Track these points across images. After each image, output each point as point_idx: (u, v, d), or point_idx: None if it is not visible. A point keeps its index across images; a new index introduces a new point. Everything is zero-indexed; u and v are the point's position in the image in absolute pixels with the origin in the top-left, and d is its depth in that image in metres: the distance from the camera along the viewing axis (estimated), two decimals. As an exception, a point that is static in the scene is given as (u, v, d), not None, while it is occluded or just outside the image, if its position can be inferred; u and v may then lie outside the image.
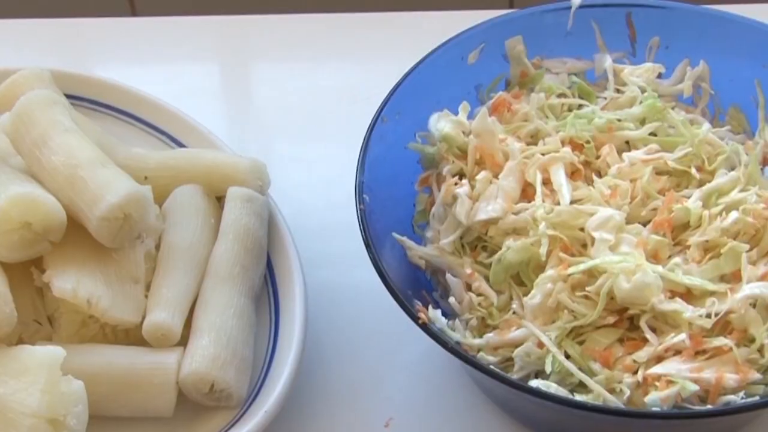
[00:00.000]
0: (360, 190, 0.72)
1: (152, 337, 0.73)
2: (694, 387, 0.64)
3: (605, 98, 0.81)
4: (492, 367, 0.68)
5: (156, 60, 1.06)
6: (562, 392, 0.66)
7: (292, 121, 0.99)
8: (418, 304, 0.69)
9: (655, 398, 0.64)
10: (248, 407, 0.71)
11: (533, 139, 0.78)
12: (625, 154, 0.76)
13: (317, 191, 0.92)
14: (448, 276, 0.74)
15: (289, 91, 1.02)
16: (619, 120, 0.78)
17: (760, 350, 0.67)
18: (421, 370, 0.78)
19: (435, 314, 0.69)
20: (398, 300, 0.66)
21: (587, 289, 0.68)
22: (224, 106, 1.04)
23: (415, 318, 0.66)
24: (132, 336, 0.74)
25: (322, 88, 1.02)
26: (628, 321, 0.69)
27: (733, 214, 0.71)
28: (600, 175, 0.76)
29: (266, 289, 0.79)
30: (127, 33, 1.08)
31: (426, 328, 0.66)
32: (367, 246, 0.69)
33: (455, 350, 0.66)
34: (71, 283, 0.71)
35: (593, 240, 0.70)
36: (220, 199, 0.82)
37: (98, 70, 0.99)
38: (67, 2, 1.31)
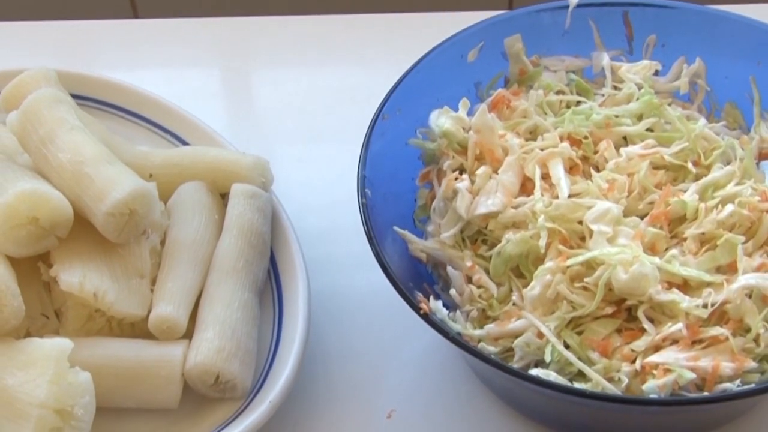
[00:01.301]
0: (362, 184, 0.73)
1: (158, 329, 0.74)
2: (691, 375, 0.65)
3: (603, 95, 0.83)
4: (492, 356, 0.69)
5: (158, 62, 1.07)
6: (561, 381, 0.67)
7: (294, 122, 1.00)
8: (420, 296, 0.70)
9: (652, 386, 0.65)
10: (253, 398, 0.72)
11: (532, 135, 0.80)
12: (622, 149, 0.77)
13: (319, 190, 0.93)
14: (449, 269, 0.75)
15: (290, 93, 1.03)
16: (617, 116, 0.79)
17: (756, 340, 0.68)
18: (423, 363, 0.79)
19: (436, 305, 0.70)
20: (400, 290, 0.67)
21: (585, 280, 0.70)
22: (226, 107, 1.05)
23: (416, 308, 0.67)
24: (138, 330, 0.75)
25: (323, 89, 1.03)
26: (626, 312, 0.70)
27: (729, 207, 0.72)
28: (598, 170, 0.77)
29: (270, 283, 0.80)
30: (129, 35, 1.09)
31: (427, 318, 0.67)
32: (369, 238, 0.70)
33: (456, 340, 0.66)
34: (78, 277, 0.72)
35: (591, 233, 0.72)
36: (224, 196, 0.83)
37: (101, 72, 1.00)
38: (70, 5, 1.33)
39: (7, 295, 0.70)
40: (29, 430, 0.66)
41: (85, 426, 0.68)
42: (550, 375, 0.67)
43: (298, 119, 1.00)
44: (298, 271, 0.79)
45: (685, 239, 0.72)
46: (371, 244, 0.70)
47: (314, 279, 0.80)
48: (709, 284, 0.69)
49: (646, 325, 0.68)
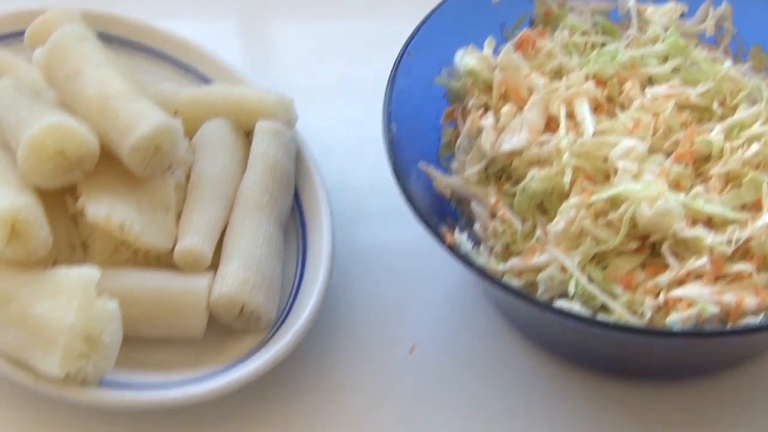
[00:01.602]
0: (387, 119, 0.73)
1: (183, 261, 0.74)
2: (715, 309, 0.65)
3: (628, 37, 0.82)
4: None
5: (176, 10, 1.06)
6: (585, 312, 0.67)
7: (315, 70, 1.00)
8: (444, 228, 0.70)
9: (676, 319, 0.65)
10: (277, 330, 0.73)
11: (557, 75, 0.79)
12: (647, 89, 0.77)
13: (342, 134, 0.92)
14: (473, 204, 0.75)
15: (311, 40, 1.02)
16: (642, 57, 0.79)
17: (780, 276, 0.68)
18: (446, 301, 0.80)
19: (461, 237, 0.70)
20: (425, 222, 0.67)
21: (610, 216, 0.70)
22: (245, 55, 1.05)
23: (441, 239, 0.67)
24: (163, 263, 0.76)
25: (345, 36, 1.02)
26: (650, 248, 0.70)
27: (755, 146, 0.72)
28: (623, 110, 0.77)
29: (294, 220, 0.80)
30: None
31: (452, 249, 0.67)
32: (395, 171, 0.70)
33: (481, 272, 0.67)
34: (104, 209, 0.73)
35: (616, 171, 0.72)
36: (248, 134, 0.84)
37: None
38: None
39: (35, 225, 0.71)
40: (57, 356, 0.67)
41: (112, 354, 0.69)
42: (574, 307, 0.67)
43: (319, 66, 1.00)
44: (322, 208, 0.79)
45: (709, 178, 0.72)
46: (396, 178, 0.70)
47: (338, 219, 0.80)
48: (733, 221, 0.69)
49: (670, 260, 0.68)
